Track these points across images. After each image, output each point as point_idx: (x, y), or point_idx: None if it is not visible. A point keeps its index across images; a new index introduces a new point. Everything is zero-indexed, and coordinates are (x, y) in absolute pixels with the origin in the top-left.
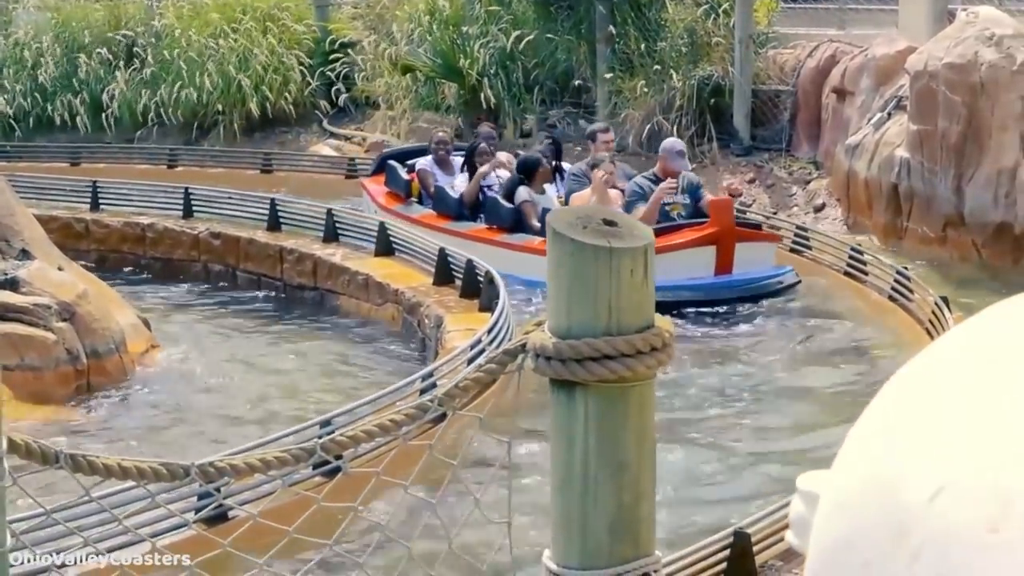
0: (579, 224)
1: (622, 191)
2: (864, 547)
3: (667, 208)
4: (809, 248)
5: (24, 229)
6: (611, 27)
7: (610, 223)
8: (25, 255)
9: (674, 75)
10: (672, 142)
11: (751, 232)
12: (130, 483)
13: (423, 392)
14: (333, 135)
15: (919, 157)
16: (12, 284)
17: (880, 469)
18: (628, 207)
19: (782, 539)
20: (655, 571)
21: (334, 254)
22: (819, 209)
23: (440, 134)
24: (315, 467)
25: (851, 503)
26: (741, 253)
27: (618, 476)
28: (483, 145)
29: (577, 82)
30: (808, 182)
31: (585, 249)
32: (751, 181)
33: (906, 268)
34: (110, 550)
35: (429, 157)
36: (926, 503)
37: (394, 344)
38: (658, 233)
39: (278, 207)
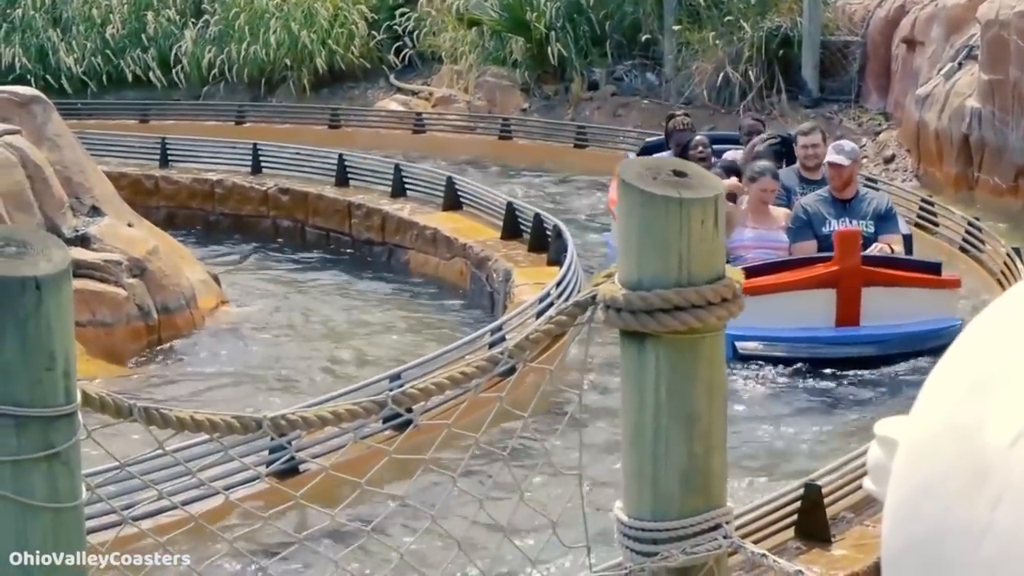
0: (649, 175)
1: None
2: (944, 492)
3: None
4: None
5: (95, 186)
6: None
7: (680, 174)
8: (95, 212)
9: (743, 26)
10: (840, 145)
11: (889, 273)
12: (203, 436)
13: (492, 346)
14: (400, 90)
15: (990, 107)
16: (83, 240)
17: (959, 415)
18: (794, 234)
19: (853, 491)
20: (727, 522)
21: (402, 209)
22: (889, 160)
23: (684, 120)
24: (385, 421)
25: (930, 449)
26: (875, 299)
27: (689, 427)
28: (699, 139)
29: (645, 35)
30: (877, 133)
31: (655, 200)
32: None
33: (977, 219)
34: (184, 503)
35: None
36: (1006, 448)
37: (462, 299)
38: (769, 270)
39: (346, 162)
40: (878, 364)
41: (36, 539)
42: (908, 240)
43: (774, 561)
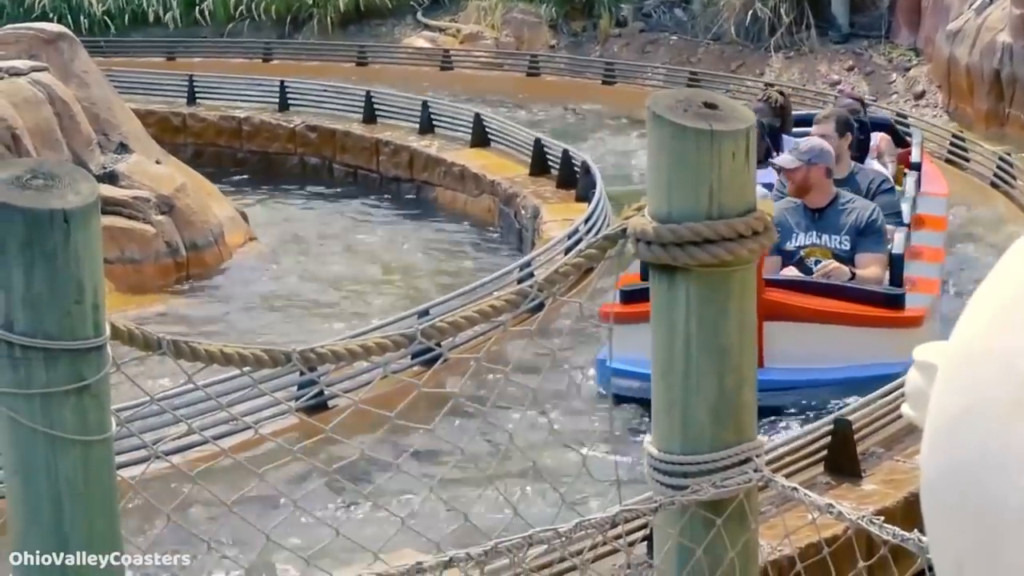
0: (680, 107)
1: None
2: (983, 419)
3: (802, 252)
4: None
5: (122, 123)
6: None
7: (711, 106)
8: (123, 149)
9: None
10: (795, 144)
11: (807, 307)
12: (232, 371)
13: (521, 282)
14: (427, 27)
15: (1022, 42)
16: (111, 177)
17: (1000, 340)
18: None
19: (884, 426)
20: (757, 455)
21: (430, 146)
22: (919, 96)
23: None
24: (414, 357)
25: (970, 374)
26: (790, 337)
27: (720, 361)
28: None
29: None
30: (908, 69)
31: (686, 132)
32: (850, 69)
33: (1008, 154)
34: (214, 438)
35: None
36: None
37: (491, 235)
38: None
39: (374, 99)
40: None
41: (66, 471)
42: (898, 261)
43: (804, 495)
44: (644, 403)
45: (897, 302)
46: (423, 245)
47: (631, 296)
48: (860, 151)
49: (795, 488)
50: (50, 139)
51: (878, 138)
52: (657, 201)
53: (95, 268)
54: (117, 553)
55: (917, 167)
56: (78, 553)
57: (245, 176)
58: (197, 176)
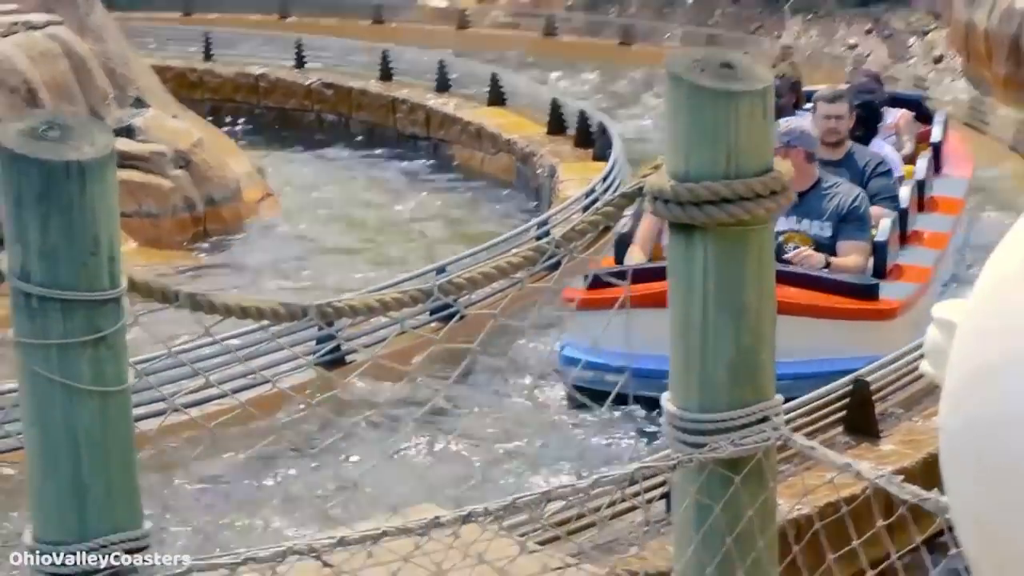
0: (697, 67)
1: None
2: (1004, 374)
3: (780, 237)
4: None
5: (139, 78)
6: None
7: (728, 66)
8: (140, 103)
9: None
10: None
11: None
12: (249, 324)
13: (538, 240)
14: None
15: None
16: (128, 132)
17: (1020, 295)
18: None
19: (903, 387)
20: (775, 414)
21: (446, 104)
22: (937, 61)
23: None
24: (432, 313)
25: (991, 330)
26: None
27: (738, 320)
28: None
29: None
30: (926, 33)
31: (703, 92)
32: (868, 32)
33: None
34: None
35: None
36: None
37: (507, 193)
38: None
39: (389, 57)
40: None
41: (83, 422)
42: (881, 248)
43: (823, 454)
44: (602, 396)
45: (870, 292)
46: (439, 203)
47: (597, 282)
48: (868, 131)
49: (813, 447)
50: (66, 93)
51: (897, 115)
52: (675, 160)
53: (111, 220)
54: (135, 503)
55: (937, 147)
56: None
57: (262, 132)
58: (214, 131)
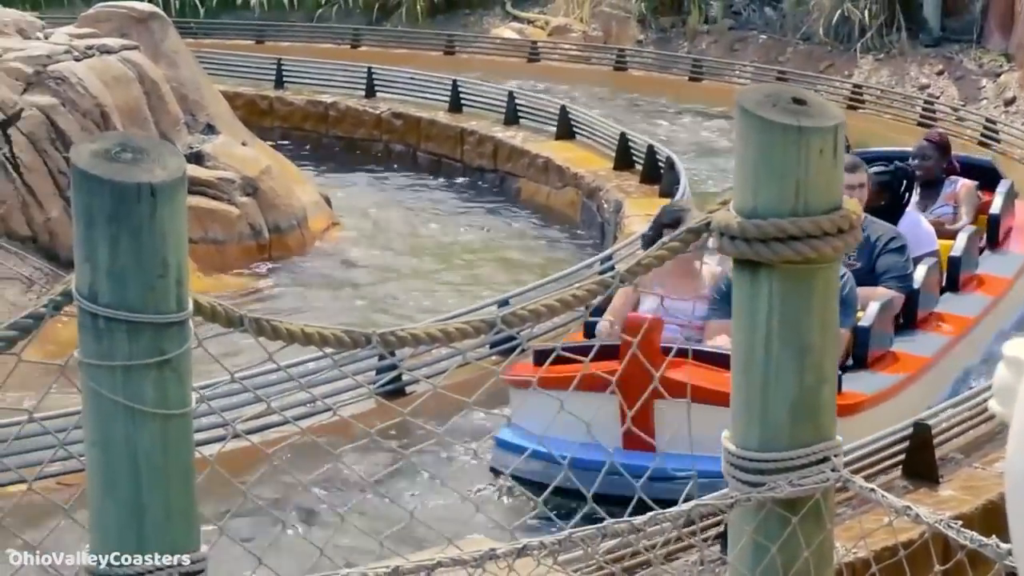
0: (768, 102)
1: None
2: None
3: None
4: (998, 142)
5: (210, 104)
6: None
7: (800, 101)
8: (210, 130)
9: None
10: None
11: (705, 387)
12: (310, 354)
13: (602, 274)
14: (515, 18)
15: None
16: (197, 158)
17: None
18: (710, 311)
19: (963, 431)
20: (835, 455)
21: (514, 136)
22: (1009, 103)
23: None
24: (492, 346)
25: None
26: (682, 417)
27: (801, 358)
28: None
29: None
30: (999, 75)
31: (773, 127)
32: (939, 73)
33: None
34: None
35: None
36: None
37: (573, 228)
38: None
39: (460, 88)
40: None
41: (144, 444)
42: (863, 334)
43: (882, 496)
44: (540, 487)
45: None
46: (505, 236)
47: (544, 357)
48: (896, 200)
49: (873, 489)
50: (138, 117)
51: (959, 185)
52: (743, 196)
53: (180, 243)
54: (193, 526)
55: (995, 220)
56: (154, 525)
57: (330, 161)
58: (282, 159)
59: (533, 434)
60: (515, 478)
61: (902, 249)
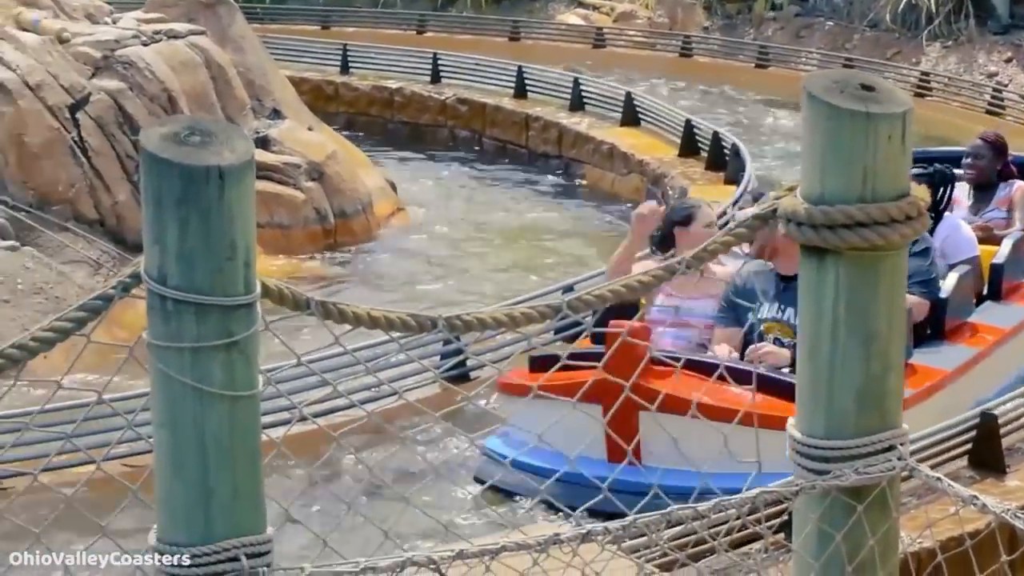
0: (836, 88)
1: None
2: None
3: (761, 327)
4: None
5: (276, 89)
6: None
7: (868, 87)
8: (276, 115)
9: None
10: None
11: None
12: (376, 338)
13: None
14: (581, 4)
15: None
16: (263, 142)
17: None
18: (718, 318)
19: None
20: (901, 443)
21: (579, 123)
22: None
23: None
24: (556, 332)
25: None
26: (670, 429)
27: (867, 346)
28: None
29: None
30: None
31: (841, 113)
32: (1008, 60)
33: None
34: (359, 403)
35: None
36: None
37: None
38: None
39: (525, 74)
40: None
41: (213, 425)
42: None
43: (949, 485)
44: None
45: None
46: (570, 222)
47: (539, 363)
48: (936, 201)
49: (939, 478)
50: (205, 102)
51: (1014, 187)
52: (810, 182)
53: (248, 226)
54: (259, 508)
55: None
56: (221, 507)
57: (395, 146)
58: (348, 144)
59: (523, 444)
60: (500, 489)
61: (925, 252)
